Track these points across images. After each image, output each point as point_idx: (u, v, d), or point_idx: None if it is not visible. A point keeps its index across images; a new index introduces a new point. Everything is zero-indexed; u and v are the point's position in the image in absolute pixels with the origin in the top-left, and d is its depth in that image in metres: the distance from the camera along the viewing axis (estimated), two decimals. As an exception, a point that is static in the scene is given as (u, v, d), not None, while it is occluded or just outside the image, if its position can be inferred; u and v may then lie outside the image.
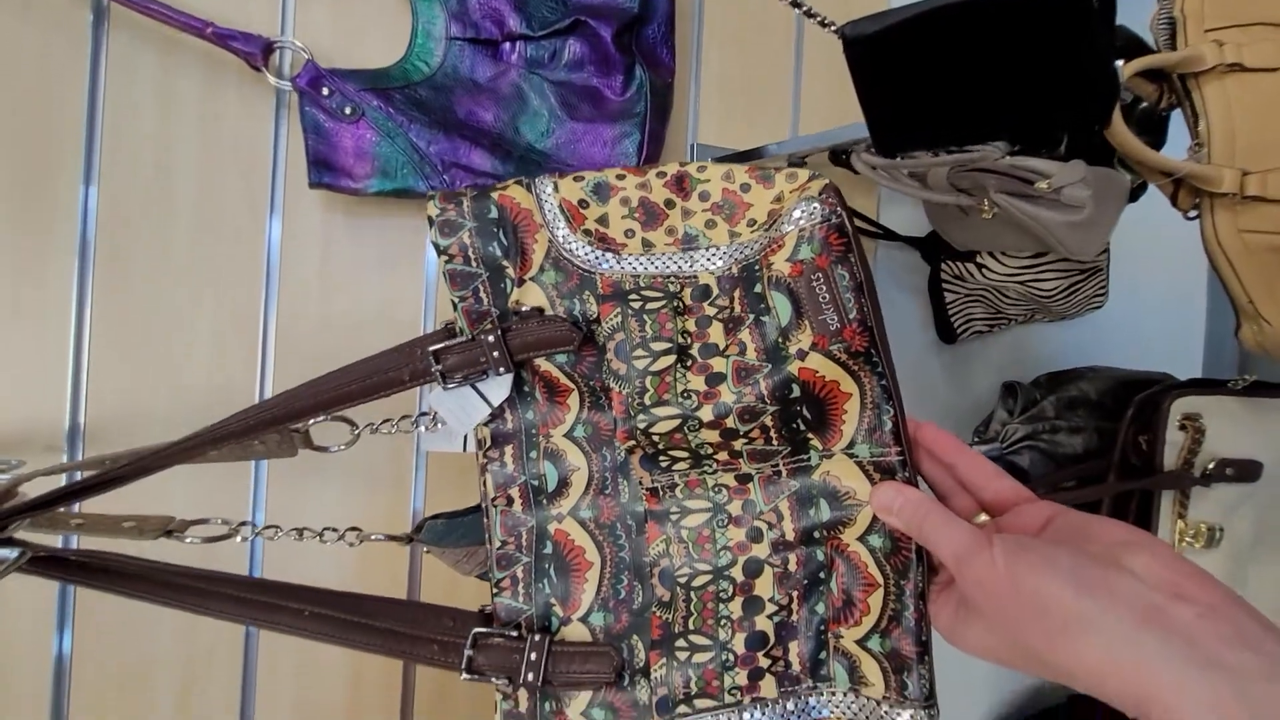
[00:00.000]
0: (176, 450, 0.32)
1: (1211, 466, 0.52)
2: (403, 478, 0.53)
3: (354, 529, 0.39)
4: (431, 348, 0.31)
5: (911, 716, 0.28)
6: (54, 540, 0.43)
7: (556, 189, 0.32)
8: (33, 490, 0.33)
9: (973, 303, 0.71)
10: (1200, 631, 0.21)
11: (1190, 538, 0.53)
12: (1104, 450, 0.58)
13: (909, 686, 0.28)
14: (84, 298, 0.46)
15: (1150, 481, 0.52)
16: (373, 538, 0.39)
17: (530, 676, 0.29)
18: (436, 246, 0.32)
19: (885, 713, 0.28)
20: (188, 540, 0.35)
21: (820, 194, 0.30)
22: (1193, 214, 0.53)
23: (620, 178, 0.32)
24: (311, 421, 0.38)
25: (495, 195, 0.32)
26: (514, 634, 0.30)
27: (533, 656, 0.29)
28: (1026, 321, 0.74)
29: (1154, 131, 0.53)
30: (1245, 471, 0.53)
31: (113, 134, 0.46)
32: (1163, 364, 0.70)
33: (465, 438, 0.42)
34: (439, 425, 0.41)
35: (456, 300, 0.32)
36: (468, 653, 0.30)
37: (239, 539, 0.36)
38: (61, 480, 0.45)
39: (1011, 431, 0.61)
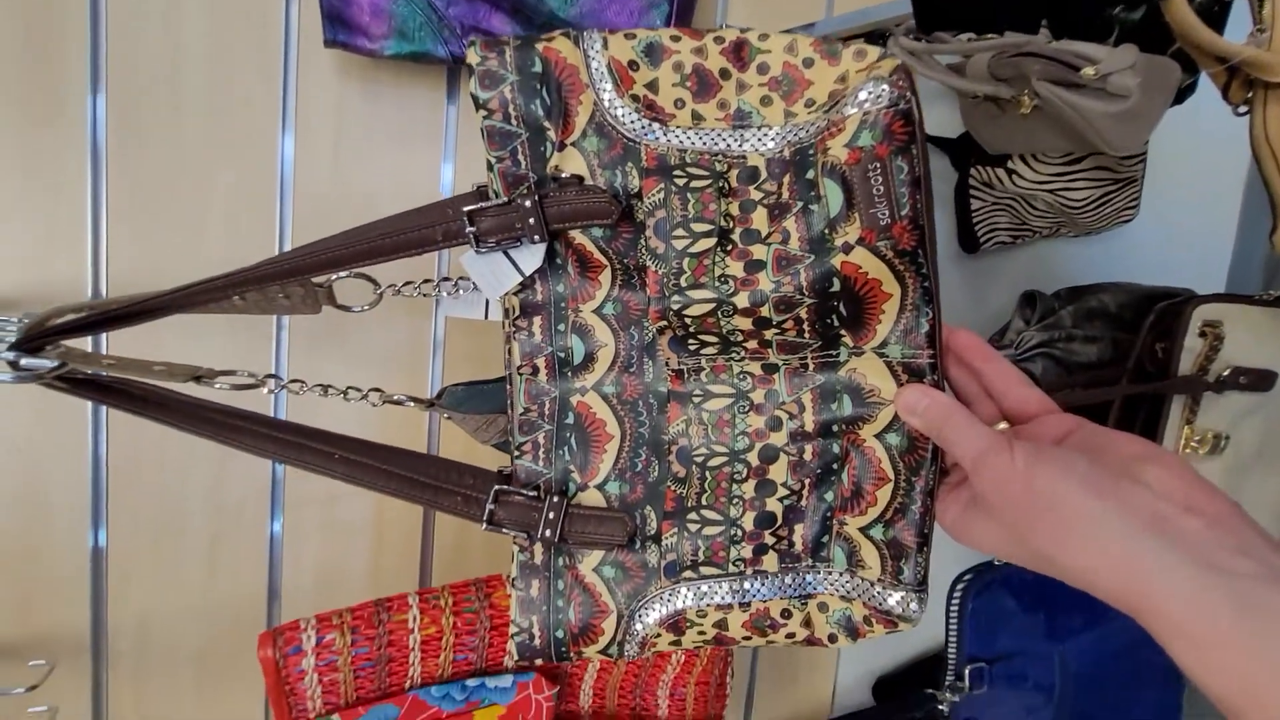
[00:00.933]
0: (201, 289, 0.32)
1: (1226, 374, 0.52)
2: (421, 349, 0.53)
3: (376, 389, 0.40)
4: (466, 209, 0.30)
5: (902, 598, 0.29)
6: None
7: (605, 45, 0.29)
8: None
9: (999, 211, 0.69)
10: (1205, 540, 0.22)
11: (1195, 443, 0.54)
12: (1118, 360, 0.58)
13: (904, 572, 0.29)
14: (98, 171, 0.45)
15: (1163, 385, 0.52)
16: (394, 399, 0.40)
17: (548, 533, 0.30)
18: (476, 100, 0.30)
19: (877, 593, 0.29)
20: (216, 386, 0.36)
21: (891, 75, 0.28)
22: (1243, 109, 0.51)
23: (675, 39, 0.30)
24: (335, 276, 0.38)
25: (540, 47, 0.29)
26: (533, 494, 0.31)
27: (550, 515, 0.30)
28: (1051, 235, 0.73)
29: (1213, 24, 0.50)
30: (1259, 381, 0.53)
31: (119, -20, 0.44)
32: (1186, 283, 0.69)
33: (486, 305, 0.42)
34: (460, 291, 0.41)
35: (493, 160, 0.30)
36: (489, 506, 0.31)
37: (265, 390, 0.37)
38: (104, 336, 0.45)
39: (1027, 339, 0.61)
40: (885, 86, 0.27)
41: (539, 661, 0.30)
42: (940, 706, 0.46)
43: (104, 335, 0.45)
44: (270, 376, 0.37)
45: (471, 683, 0.35)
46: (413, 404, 0.41)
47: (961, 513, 0.29)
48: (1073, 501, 0.23)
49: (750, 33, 0.31)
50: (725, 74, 0.30)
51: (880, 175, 0.27)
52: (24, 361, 0.28)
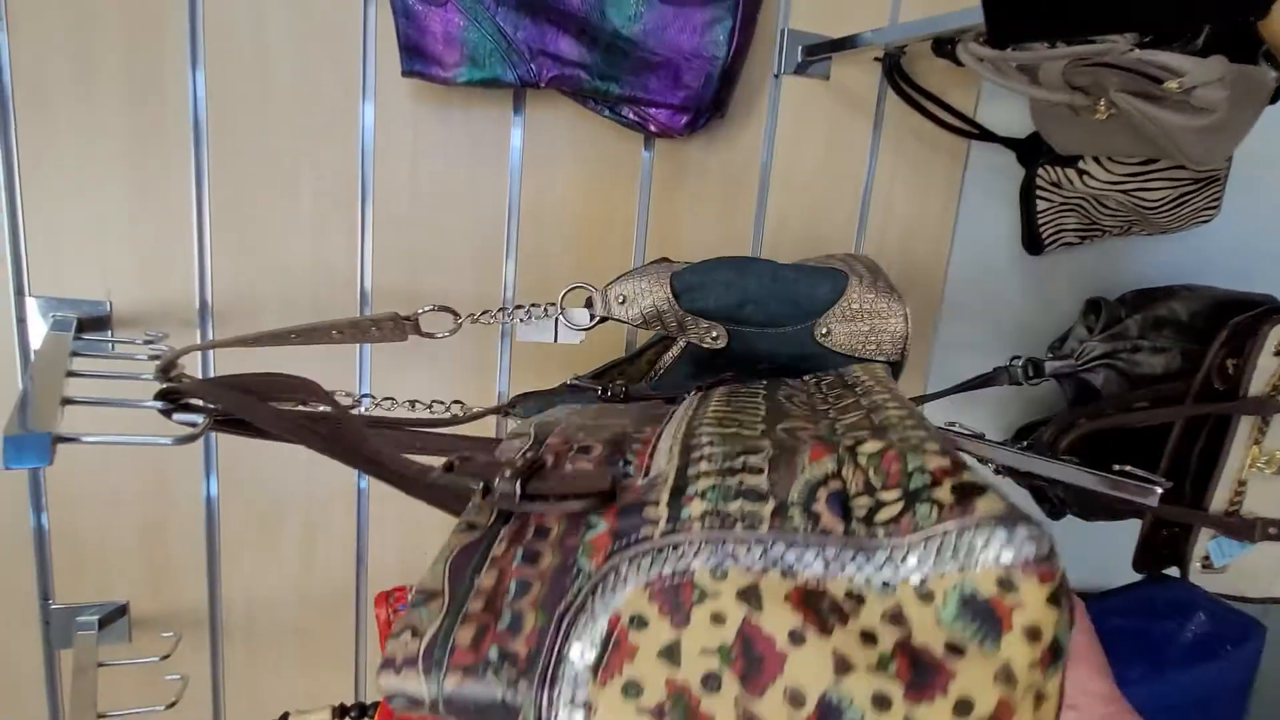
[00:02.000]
0: (306, 329, 0.36)
1: (1301, 395, 0.51)
2: (488, 365, 0.57)
3: (458, 402, 0.43)
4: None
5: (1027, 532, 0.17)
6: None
7: None
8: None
9: (1067, 212, 0.67)
10: None
11: (1263, 464, 0.53)
12: (1186, 373, 0.57)
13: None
14: (201, 182, 0.49)
15: (1231, 406, 0.51)
16: (475, 411, 0.43)
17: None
18: None
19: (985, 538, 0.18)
20: (319, 408, 0.39)
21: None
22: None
23: None
24: (423, 310, 0.41)
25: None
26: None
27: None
28: (1123, 234, 0.70)
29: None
30: (1337, 402, 0.52)
31: (213, 17, 0.47)
32: (1270, 287, 0.66)
33: (556, 332, 0.44)
34: (531, 318, 0.44)
35: None
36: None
37: (361, 408, 0.40)
38: (197, 360, 0.50)
39: (1089, 349, 0.60)
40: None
41: None
42: None
43: (213, 367, 0.50)
44: (365, 396, 0.41)
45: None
46: (489, 413, 0.44)
47: None
48: None
49: None
50: None
51: None
52: (177, 416, 0.32)
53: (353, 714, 0.38)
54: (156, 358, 0.39)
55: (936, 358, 0.69)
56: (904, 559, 0.17)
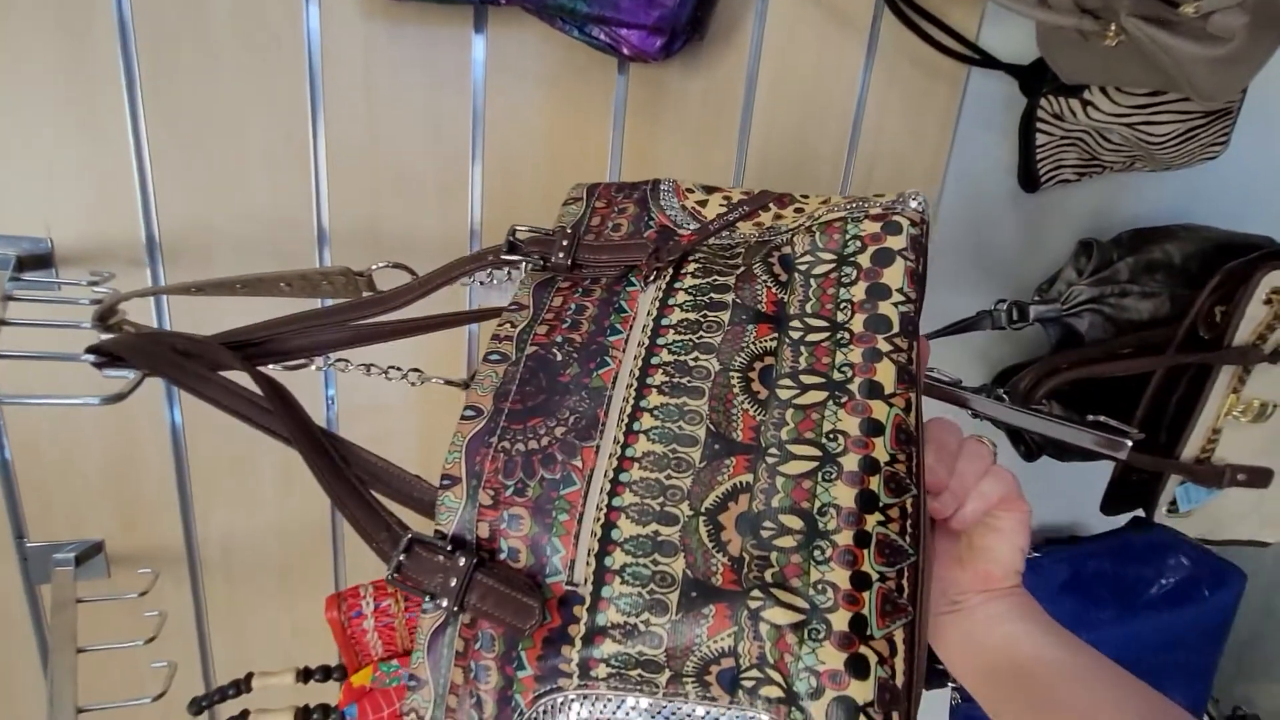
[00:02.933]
0: (253, 280, 0.34)
1: (1286, 344, 0.50)
2: (457, 334, 0.55)
3: (415, 370, 0.42)
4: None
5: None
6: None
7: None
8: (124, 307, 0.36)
9: (1067, 146, 0.64)
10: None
11: (1239, 412, 0.52)
12: (1173, 319, 0.56)
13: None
14: (136, 112, 0.46)
15: (1214, 355, 0.50)
16: (433, 380, 0.42)
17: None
18: None
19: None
20: (269, 366, 0.38)
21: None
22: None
23: None
24: (375, 266, 0.39)
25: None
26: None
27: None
28: (1124, 170, 0.67)
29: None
30: (1322, 351, 0.51)
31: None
32: (1270, 228, 0.64)
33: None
34: (494, 281, 0.42)
35: None
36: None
37: (314, 368, 0.39)
38: (150, 301, 0.48)
39: (1075, 294, 0.58)
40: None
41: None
42: (952, 684, 0.49)
43: (166, 310, 0.48)
44: (318, 354, 0.40)
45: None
46: (449, 385, 0.43)
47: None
48: None
49: None
50: None
51: None
52: (108, 372, 0.30)
53: (317, 676, 0.39)
54: (99, 301, 0.38)
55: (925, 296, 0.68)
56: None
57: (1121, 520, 0.60)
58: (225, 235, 0.49)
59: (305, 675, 0.39)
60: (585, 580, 0.24)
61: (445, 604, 0.24)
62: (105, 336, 0.33)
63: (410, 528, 0.26)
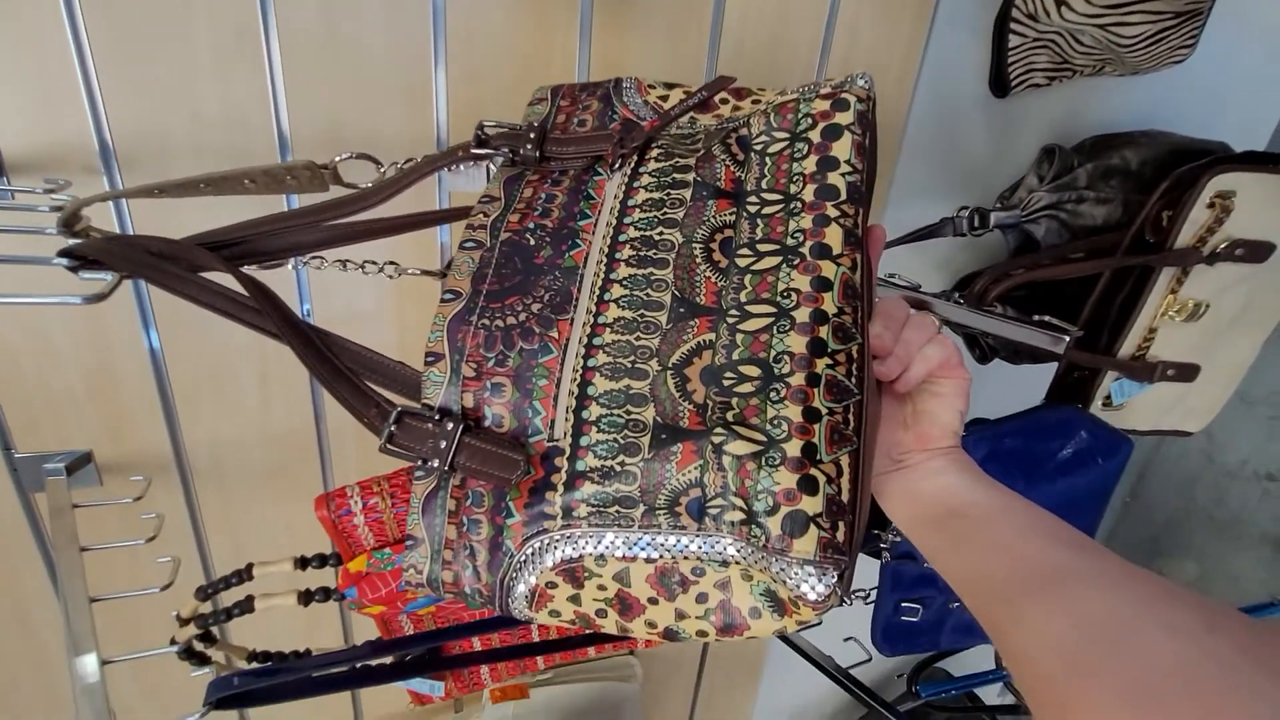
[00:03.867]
0: (216, 178, 0.34)
1: (1223, 247, 0.53)
2: (429, 237, 0.54)
3: (392, 262, 0.42)
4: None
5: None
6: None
7: None
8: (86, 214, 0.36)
9: (1039, 48, 0.64)
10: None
11: (1174, 312, 0.56)
12: (1124, 224, 0.58)
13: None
14: (74, 15, 0.43)
15: (1156, 258, 0.53)
16: (409, 271, 0.43)
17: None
18: None
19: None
20: (241, 266, 0.38)
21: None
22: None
23: None
24: (339, 157, 0.39)
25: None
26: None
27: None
28: (1094, 74, 0.67)
29: None
30: (1255, 253, 0.54)
31: None
32: (1229, 134, 0.65)
33: (488, 175, 0.42)
34: (460, 166, 0.41)
35: None
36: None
37: (289, 267, 0.39)
38: (110, 206, 0.47)
39: (1035, 200, 0.60)
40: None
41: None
42: (882, 545, 0.54)
43: (127, 213, 0.47)
44: (290, 253, 0.40)
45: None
46: (426, 275, 0.44)
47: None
48: None
49: None
50: None
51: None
52: (84, 274, 0.30)
53: (314, 563, 0.42)
54: (59, 208, 0.37)
55: (893, 201, 0.69)
56: (740, 549, 0.25)
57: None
58: (181, 140, 0.48)
59: (303, 563, 0.42)
60: (565, 434, 0.27)
61: (436, 465, 0.26)
62: (73, 241, 0.33)
63: (397, 403, 0.28)
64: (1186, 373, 0.59)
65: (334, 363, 0.29)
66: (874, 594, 0.59)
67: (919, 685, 0.70)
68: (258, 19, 0.46)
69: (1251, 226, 0.53)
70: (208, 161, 0.49)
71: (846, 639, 0.73)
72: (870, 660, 0.70)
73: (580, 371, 0.27)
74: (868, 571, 0.61)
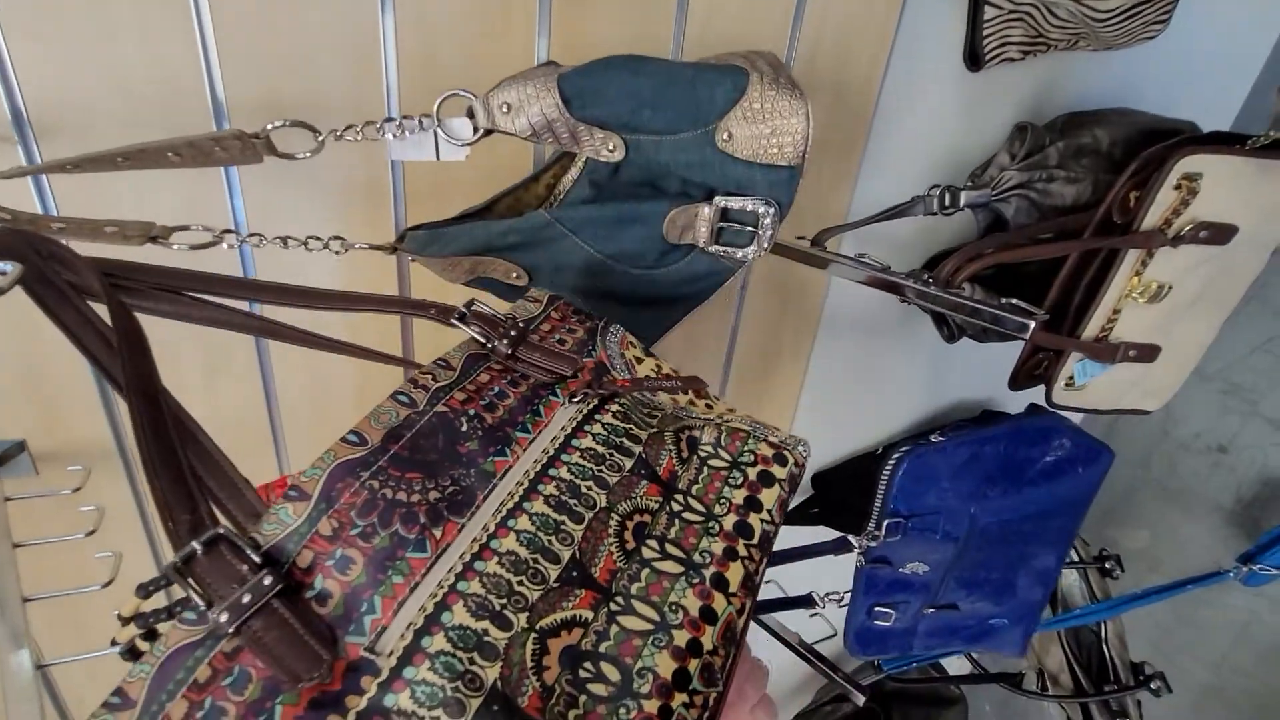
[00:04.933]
0: (135, 151, 0.31)
1: (1188, 230, 0.53)
2: (380, 192, 0.52)
3: (337, 237, 0.40)
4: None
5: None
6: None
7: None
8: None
9: (1014, 22, 0.62)
10: None
11: (1138, 294, 0.56)
12: (1095, 203, 0.58)
13: None
14: None
15: (1121, 240, 0.53)
16: (356, 246, 0.40)
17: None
18: None
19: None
20: (174, 247, 0.36)
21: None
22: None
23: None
24: (272, 125, 0.36)
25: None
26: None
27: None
28: (1068, 48, 0.66)
29: None
30: (1218, 235, 0.54)
31: None
32: (1198, 112, 0.65)
33: (435, 144, 0.40)
34: (405, 133, 0.39)
35: None
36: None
37: (225, 245, 0.37)
38: (29, 182, 0.43)
39: (1006, 179, 0.59)
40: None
41: None
42: (857, 549, 0.55)
43: (49, 190, 0.43)
44: (227, 231, 0.37)
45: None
46: (372, 249, 0.41)
47: None
48: None
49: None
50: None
51: None
52: None
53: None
54: (-37, 185, 0.34)
55: (862, 178, 0.67)
56: None
57: (1023, 404, 0.65)
58: (106, 111, 0.44)
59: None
60: (391, 653, 0.22)
61: (224, 619, 0.21)
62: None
63: (220, 523, 0.23)
64: (1147, 353, 0.60)
65: (172, 444, 0.24)
66: (848, 597, 0.59)
67: (884, 662, 0.72)
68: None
69: (1216, 209, 0.53)
70: (137, 130, 0.45)
71: (812, 614, 0.74)
72: (835, 635, 0.71)
73: (445, 591, 0.24)
74: (842, 573, 0.62)
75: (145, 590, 0.42)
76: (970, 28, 0.63)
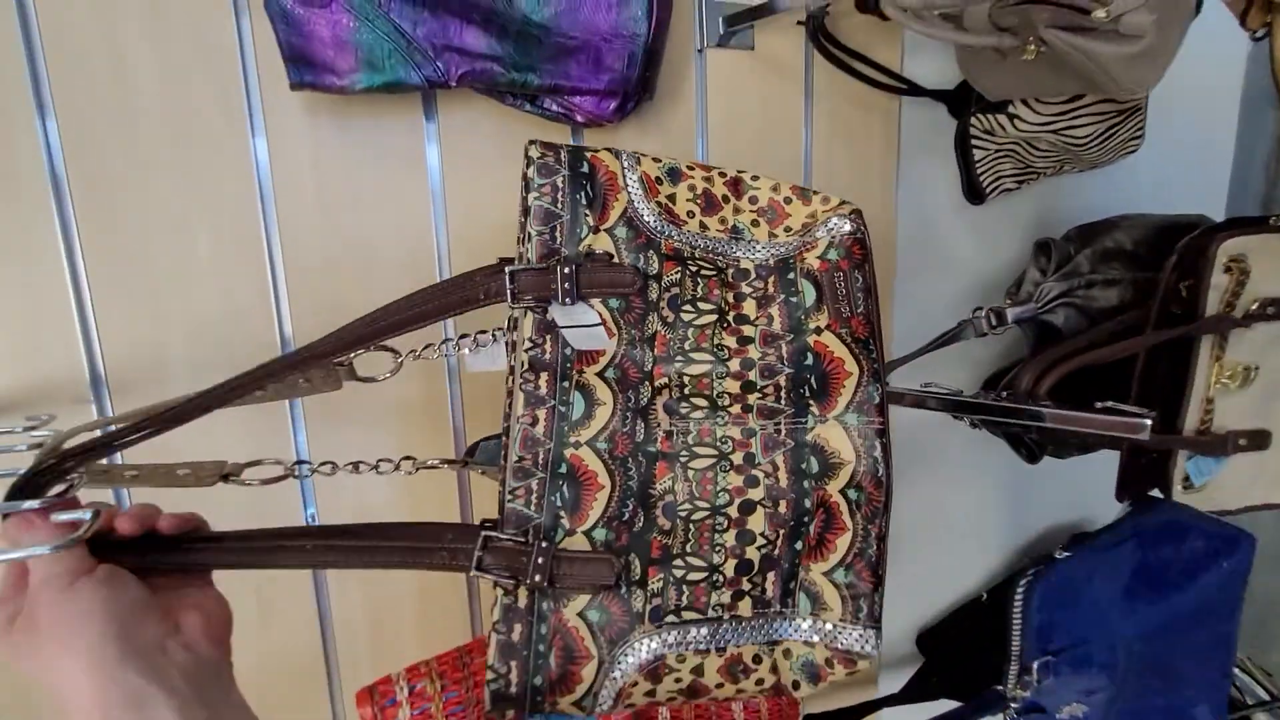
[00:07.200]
0: (219, 393, 0.31)
1: (1254, 307, 0.52)
2: (439, 407, 0.52)
3: (408, 458, 0.39)
4: (509, 269, 0.34)
5: (860, 635, 0.34)
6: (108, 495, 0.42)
7: (639, 163, 0.38)
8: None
9: (1002, 158, 0.67)
10: None
11: (1226, 379, 0.54)
12: (1140, 301, 0.57)
13: (862, 610, 0.34)
14: (70, 239, 0.42)
15: (1192, 328, 0.51)
16: (429, 464, 0.39)
17: (537, 577, 0.31)
18: (530, 182, 0.35)
19: (838, 633, 0.34)
20: (246, 483, 0.34)
21: (850, 214, 0.38)
22: (1261, 33, 0.49)
23: (690, 168, 0.39)
24: (354, 354, 0.36)
25: (589, 155, 0.37)
26: (521, 539, 0.31)
27: (539, 560, 0.31)
28: (1056, 173, 0.71)
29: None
30: (1285, 309, 0.53)
31: (55, 52, 0.41)
32: (1191, 204, 0.68)
33: (510, 353, 0.40)
34: (479, 346, 0.39)
35: (534, 233, 0.35)
36: (478, 553, 0.31)
37: (296, 477, 0.35)
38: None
39: (1046, 290, 0.60)
40: (846, 221, 0.38)
41: (510, 714, 0.31)
42: (1012, 704, 0.46)
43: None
44: (299, 463, 0.36)
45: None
46: (446, 466, 0.40)
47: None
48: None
49: (745, 173, 0.40)
50: (725, 199, 0.39)
51: (843, 281, 0.37)
52: (59, 517, 0.26)
53: None
54: (38, 446, 0.33)
55: (897, 320, 0.68)
56: (787, 627, 0.34)
57: (1122, 508, 0.60)
58: (177, 360, 0.46)
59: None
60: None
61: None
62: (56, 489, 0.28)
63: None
64: (1258, 439, 0.56)
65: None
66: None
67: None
68: (258, 220, 0.46)
69: (1274, 284, 0.52)
70: (205, 374, 0.46)
71: None
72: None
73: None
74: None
75: None
76: (963, 168, 0.68)
